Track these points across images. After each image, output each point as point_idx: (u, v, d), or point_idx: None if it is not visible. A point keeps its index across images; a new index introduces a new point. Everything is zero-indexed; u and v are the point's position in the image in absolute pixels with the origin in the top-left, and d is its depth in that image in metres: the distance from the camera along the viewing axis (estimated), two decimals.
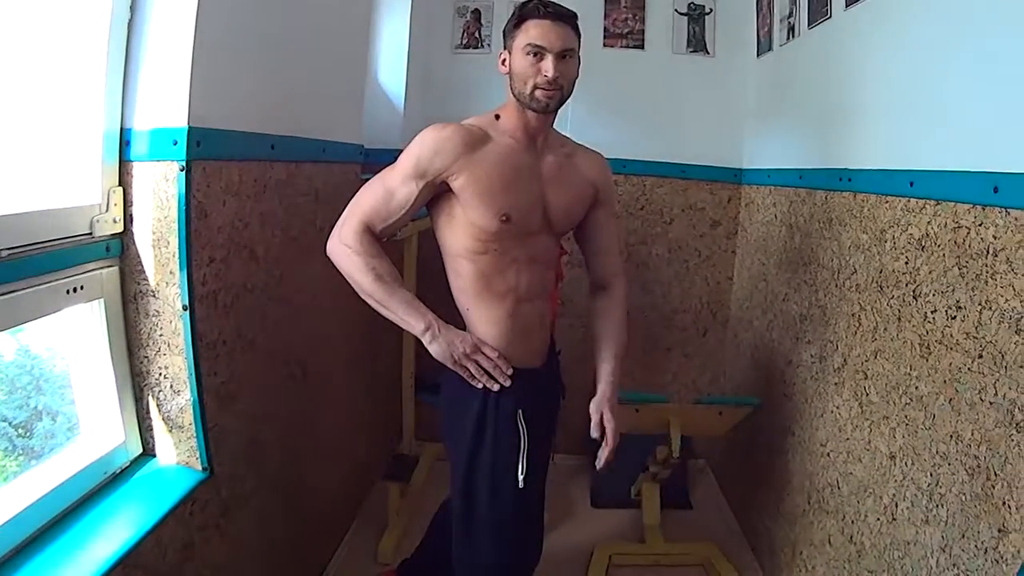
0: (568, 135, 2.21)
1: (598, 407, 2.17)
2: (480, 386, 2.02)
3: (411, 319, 1.98)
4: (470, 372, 2.01)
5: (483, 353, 2.02)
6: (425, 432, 3.78)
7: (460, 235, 2.00)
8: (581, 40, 1.99)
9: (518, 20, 1.94)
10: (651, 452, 3.20)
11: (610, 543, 3.41)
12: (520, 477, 1.99)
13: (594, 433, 2.16)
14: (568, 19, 1.94)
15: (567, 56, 1.93)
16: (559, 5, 1.94)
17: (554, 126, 2.13)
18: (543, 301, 2.16)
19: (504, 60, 2.01)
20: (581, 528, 3.58)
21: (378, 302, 1.98)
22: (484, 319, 2.06)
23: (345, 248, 1.97)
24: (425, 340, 1.99)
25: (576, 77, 2.00)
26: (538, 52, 1.91)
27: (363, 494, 3.59)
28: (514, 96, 1.99)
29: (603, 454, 2.16)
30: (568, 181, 2.11)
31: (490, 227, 1.96)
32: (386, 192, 1.98)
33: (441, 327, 2.00)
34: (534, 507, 2.19)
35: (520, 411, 2.03)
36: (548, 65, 1.90)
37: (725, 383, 4.19)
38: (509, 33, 1.98)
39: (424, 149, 1.95)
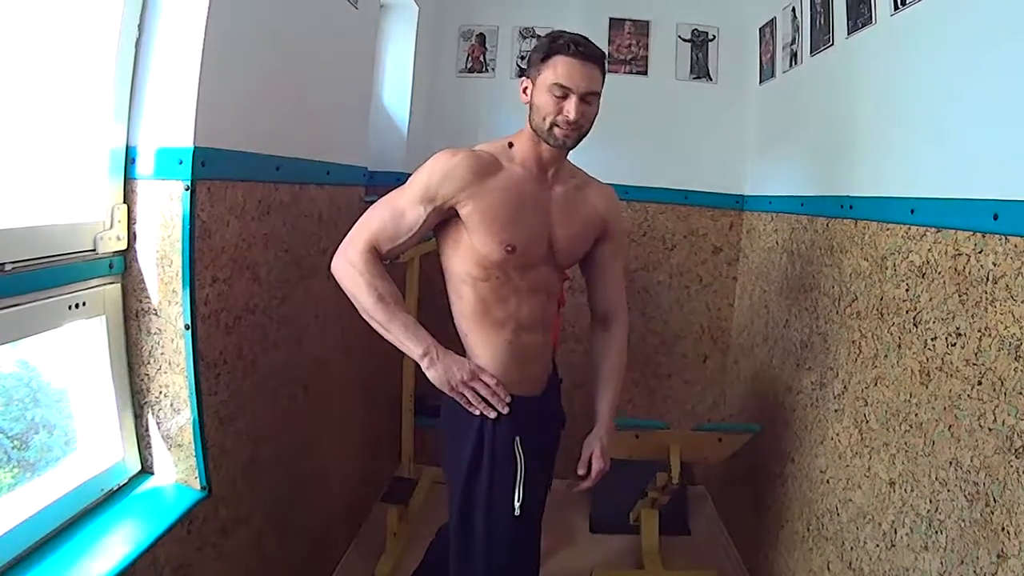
0: (572, 161, 2.18)
1: (589, 445, 2.19)
2: (477, 413, 2.00)
3: (410, 343, 1.96)
4: (467, 399, 1.99)
5: (481, 380, 1.99)
6: (424, 455, 3.78)
7: (464, 260, 2.00)
8: (605, 79, 1.98)
9: (547, 54, 1.92)
10: (650, 478, 3.19)
11: (608, 569, 3.40)
12: (516, 505, 1.97)
13: (580, 470, 2.18)
14: (597, 60, 1.92)
15: (590, 98, 1.92)
16: (590, 44, 1.92)
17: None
18: (543, 330, 2.15)
19: (526, 89, 2.00)
20: (579, 554, 3.56)
21: (379, 323, 1.96)
22: (483, 344, 2.05)
23: (349, 267, 1.96)
24: (423, 365, 1.97)
25: (596, 115, 1.99)
26: (563, 92, 1.90)
27: (361, 516, 3.58)
28: (531, 127, 1.99)
29: (582, 485, 2.20)
30: (576, 214, 2.11)
31: (494, 255, 1.96)
32: (394, 214, 1.97)
33: (440, 352, 1.97)
34: (530, 535, 2.15)
35: (518, 439, 2.01)
36: (571, 107, 1.89)
37: (725, 409, 4.18)
38: (535, 64, 1.95)
39: (434, 174, 1.95)
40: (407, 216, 1.97)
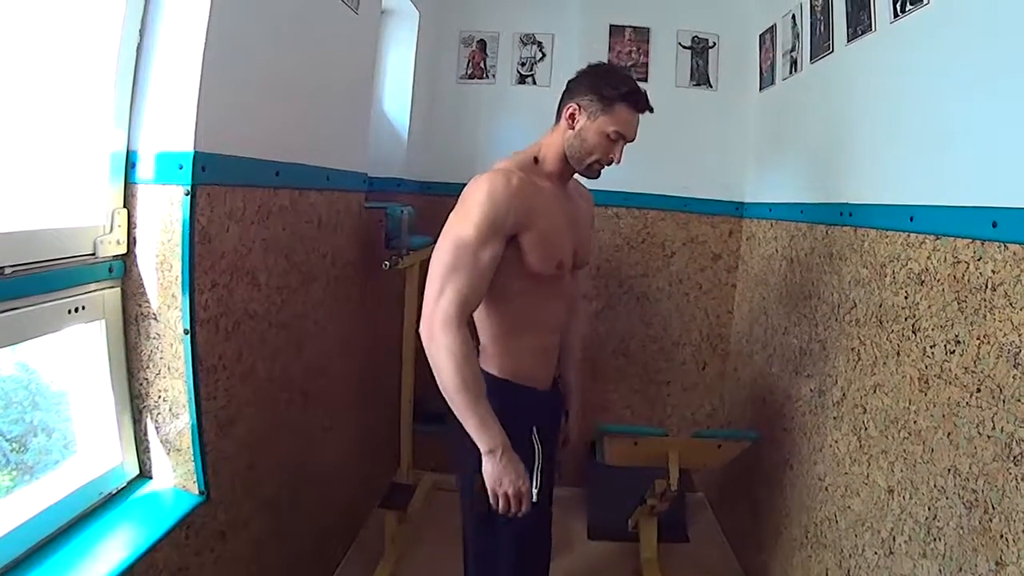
0: None
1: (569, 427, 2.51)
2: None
3: (483, 435, 1.89)
4: (497, 501, 1.92)
5: (521, 503, 1.92)
6: (423, 461, 3.78)
7: (510, 276, 2.00)
8: None
9: (614, 99, 2.00)
10: (649, 485, 3.18)
11: None
12: (535, 491, 1.96)
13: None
14: (650, 111, 2.06)
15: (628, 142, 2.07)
16: (647, 97, 2.05)
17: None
18: (561, 332, 2.30)
19: (573, 115, 2.04)
20: (578, 561, 3.55)
21: (456, 407, 1.89)
22: (515, 349, 2.13)
23: (440, 346, 1.86)
24: (486, 456, 1.90)
25: None
26: (618, 138, 2.03)
27: (360, 522, 3.57)
28: (566, 150, 2.08)
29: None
30: (584, 220, 2.27)
31: (546, 271, 2.04)
32: (475, 263, 1.89)
33: (508, 454, 1.90)
34: (547, 515, 2.28)
35: (534, 428, 2.07)
36: (620, 152, 2.06)
37: (724, 416, 4.18)
38: (596, 102, 2.01)
39: (499, 207, 1.90)
40: (483, 258, 1.90)
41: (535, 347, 2.16)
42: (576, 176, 2.21)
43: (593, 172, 2.10)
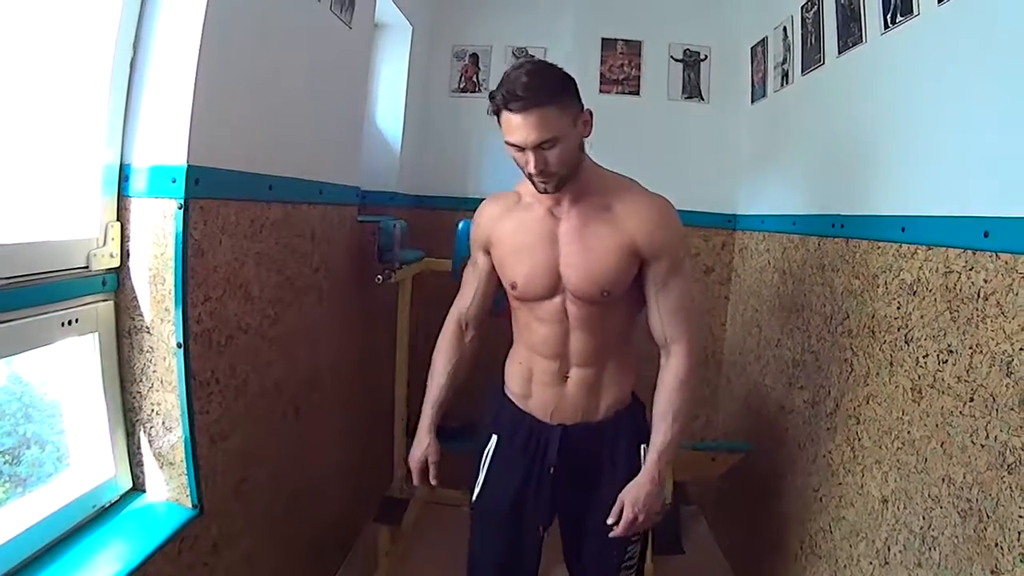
0: (619, 174, 2.07)
1: (623, 493, 2.00)
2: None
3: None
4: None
5: (411, 471, 2.23)
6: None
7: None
8: (571, 107, 1.82)
9: (497, 109, 1.80)
10: None
11: None
12: (475, 491, 2.23)
13: (609, 519, 1.97)
14: (538, 104, 1.73)
15: (546, 145, 1.77)
16: (530, 85, 1.73)
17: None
18: (562, 361, 2.09)
19: None
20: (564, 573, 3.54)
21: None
22: (512, 360, 2.23)
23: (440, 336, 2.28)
24: None
25: (572, 154, 1.85)
26: (517, 148, 1.80)
27: (353, 536, 3.56)
28: None
29: (614, 532, 1.98)
30: (591, 242, 1.95)
31: (510, 290, 2.08)
32: (469, 270, 2.24)
33: (418, 432, 2.22)
34: (508, 535, 2.24)
35: (495, 438, 2.20)
36: (529, 160, 1.79)
37: (718, 428, 4.17)
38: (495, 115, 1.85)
39: (476, 224, 2.16)
40: (477, 264, 2.20)
41: (523, 365, 2.15)
42: (638, 190, 2.03)
43: (540, 188, 1.87)
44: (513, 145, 1.80)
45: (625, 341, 2.12)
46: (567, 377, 2.09)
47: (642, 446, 2.07)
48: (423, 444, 2.18)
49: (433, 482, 2.20)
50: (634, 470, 2.04)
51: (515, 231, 2.03)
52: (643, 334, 2.06)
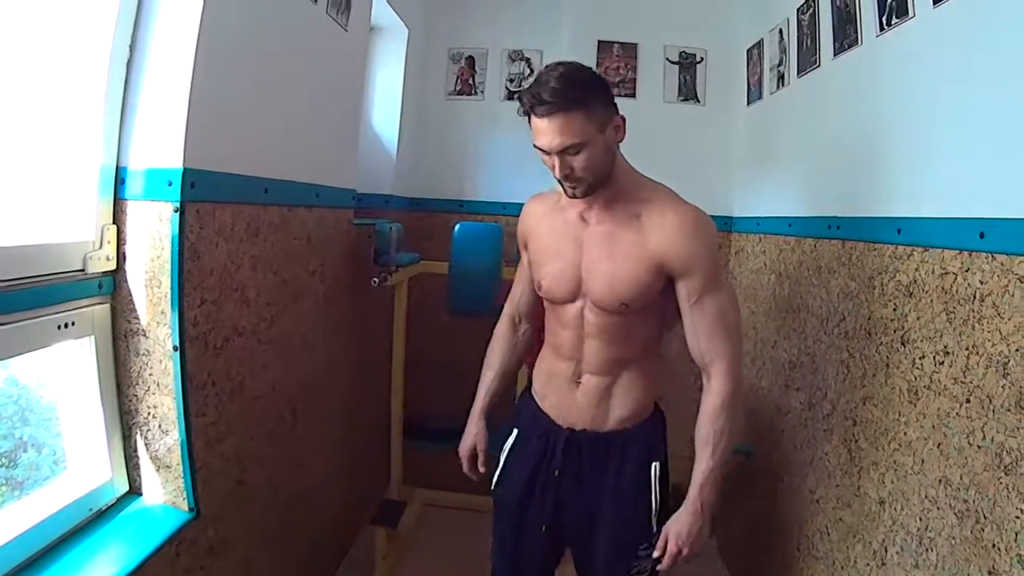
0: (656, 183, 2.07)
1: (666, 525, 1.98)
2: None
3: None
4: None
5: (461, 459, 2.34)
6: (413, 477, 3.77)
7: None
8: (599, 112, 1.78)
9: (527, 113, 1.78)
10: None
11: None
12: (494, 477, 2.27)
13: (655, 552, 1.97)
14: (563, 109, 1.71)
15: (571, 151, 1.76)
16: (557, 90, 1.69)
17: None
18: (576, 366, 2.08)
19: None
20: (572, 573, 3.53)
21: None
22: (539, 361, 2.25)
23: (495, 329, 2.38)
24: None
25: (599, 160, 1.82)
26: (545, 152, 1.79)
27: (350, 539, 3.56)
28: None
29: (661, 565, 1.98)
30: (616, 251, 1.92)
31: (536, 290, 2.14)
32: (520, 265, 2.32)
33: (470, 420, 2.35)
34: (528, 536, 2.26)
35: (516, 432, 2.24)
36: (555, 164, 1.78)
37: None
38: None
39: (520, 218, 2.20)
40: (523, 260, 2.27)
41: (549, 366, 2.17)
42: (674, 200, 2.00)
43: (568, 193, 1.88)
44: (540, 150, 1.79)
45: (647, 354, 2.09)
46: (579, 383, 2.08)
47: (653, 465, 2.06)
48: (472, 433, 2.32)
49: (482, 469, 2.30)
50: (640, 490, 2.04)
51: (549, 232, 2.05)
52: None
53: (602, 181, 1.87)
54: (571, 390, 2.09)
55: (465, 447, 2.32)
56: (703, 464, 1.96)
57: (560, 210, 2.03)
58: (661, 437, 2.15)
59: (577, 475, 2.09)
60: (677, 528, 1.93)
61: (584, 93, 1.74)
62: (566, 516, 2.13)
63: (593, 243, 1.95)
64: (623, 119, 1.87)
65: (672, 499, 2.09)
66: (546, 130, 1.73)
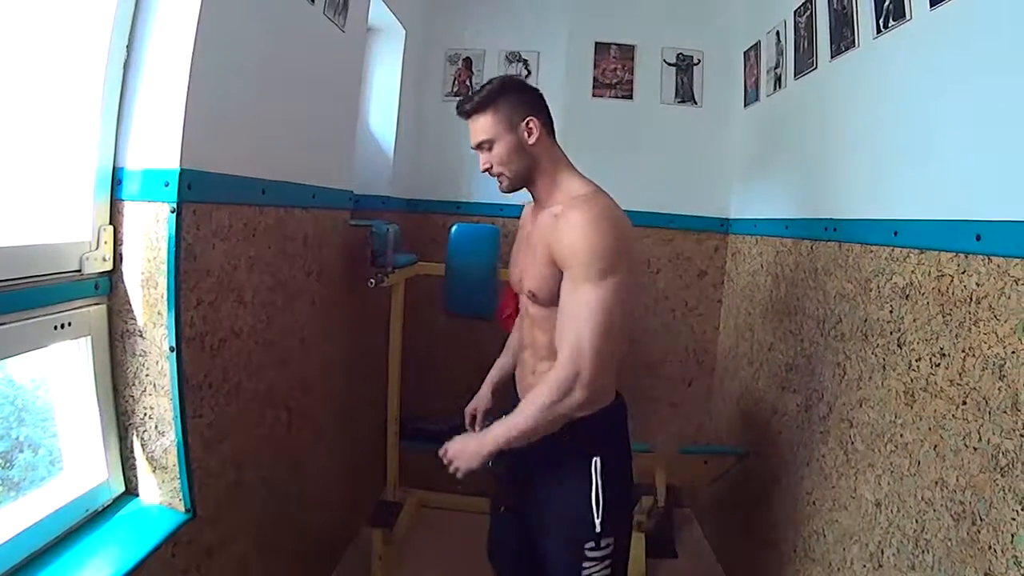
0: (580, 184, 2.06)
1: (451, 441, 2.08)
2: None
3: None
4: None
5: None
6: (409, 478, 3.76)
7: None
8: (506, 113, 2.00)
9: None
10: (636, 501, 3.18)
11: None
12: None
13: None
14: (474, 111, 2.02)
15: (485, 146, 2.04)
16: (471, 97, 2.04)
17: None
18: (530, 354, 2.19)
19: None
20: None
21: None
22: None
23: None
24: None
25: (510, 155, 2.03)
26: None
27: (347, 539, 3.55)
28: None
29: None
30: (533, 247, 2.07)
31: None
32: None
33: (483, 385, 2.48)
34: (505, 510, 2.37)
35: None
36: (483, 161, 2.07)
37: (711, 432, 4.18)
38: None
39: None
40: None
41: (522, 353, 2.27)
42: (585, 201, 1.95)
43: (499, 186, 2.13)
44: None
45: None
46: (535, 370, 2.15)
47: (594, 459, 2.01)
48: (478, 396, 2.47)
49: (477, 428, 2.37)
50: (581, 483, 2.00)
51: (521, 235, 2.26)
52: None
53: (522, 177, 2.07)
54: (529, 378, 2.17)
55: (468, 407, 2.46)
56: (509, 419, 1.96)
57: (527, 212, 2.28)
58: (609, 431, 2.12)
59: (519, 460, 2.06)
60: (456, 443, 2.05)
61: (493, 98, 2.01)
62: (528, 504, 2.18)
63: (527, 242, 2.16)
64: (536, 121, 2.02)
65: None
66: (470, 128, 2.06)
